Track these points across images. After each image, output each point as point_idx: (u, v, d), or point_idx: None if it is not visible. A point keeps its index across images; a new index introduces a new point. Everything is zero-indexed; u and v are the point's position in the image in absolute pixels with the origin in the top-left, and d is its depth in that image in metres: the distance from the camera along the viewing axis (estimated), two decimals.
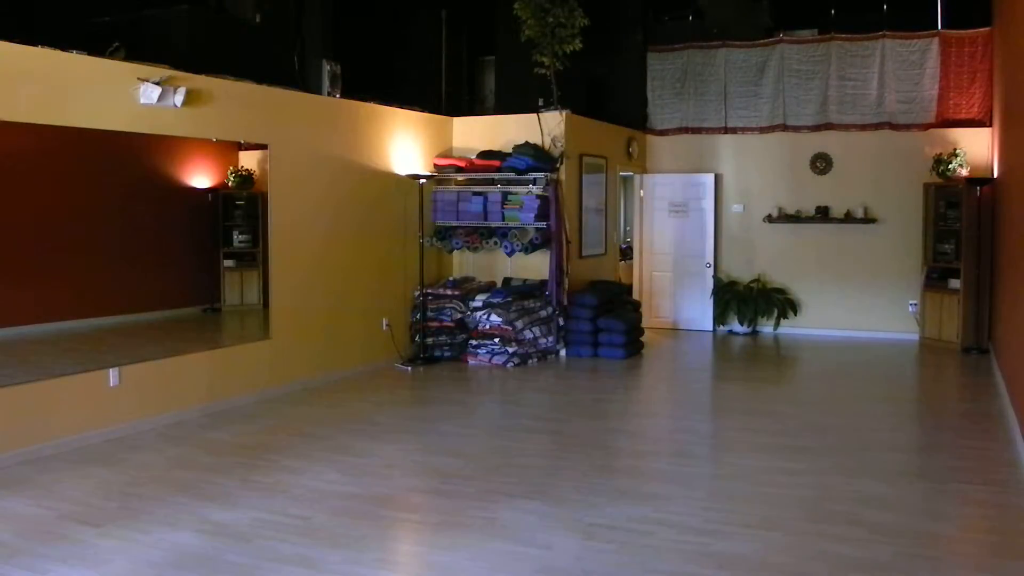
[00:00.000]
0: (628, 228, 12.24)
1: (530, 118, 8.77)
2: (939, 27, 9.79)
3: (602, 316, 8.79)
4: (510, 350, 8.27)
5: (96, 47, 5.68)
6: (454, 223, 8.83)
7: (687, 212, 10.71)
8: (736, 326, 10.50)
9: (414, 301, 8.57)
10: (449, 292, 8.53)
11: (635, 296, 10.51)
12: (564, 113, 8.71)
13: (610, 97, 10.43)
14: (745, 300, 10.38)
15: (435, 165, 8.84)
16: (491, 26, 9.72)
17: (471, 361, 8.41)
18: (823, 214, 10.20)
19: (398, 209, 8.40)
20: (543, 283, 8.73)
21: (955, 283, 9.17)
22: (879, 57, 9.89)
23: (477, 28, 10.02)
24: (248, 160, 7.15)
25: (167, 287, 6.92)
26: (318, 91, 7.59)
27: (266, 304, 7.08)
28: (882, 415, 6.54)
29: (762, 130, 10.48)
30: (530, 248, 8.57)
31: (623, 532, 4.07)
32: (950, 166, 9.37)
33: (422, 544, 4.16)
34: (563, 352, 8.86)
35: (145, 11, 6.82)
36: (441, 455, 5.42)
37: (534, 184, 8.57)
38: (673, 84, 10.82)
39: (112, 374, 5.76)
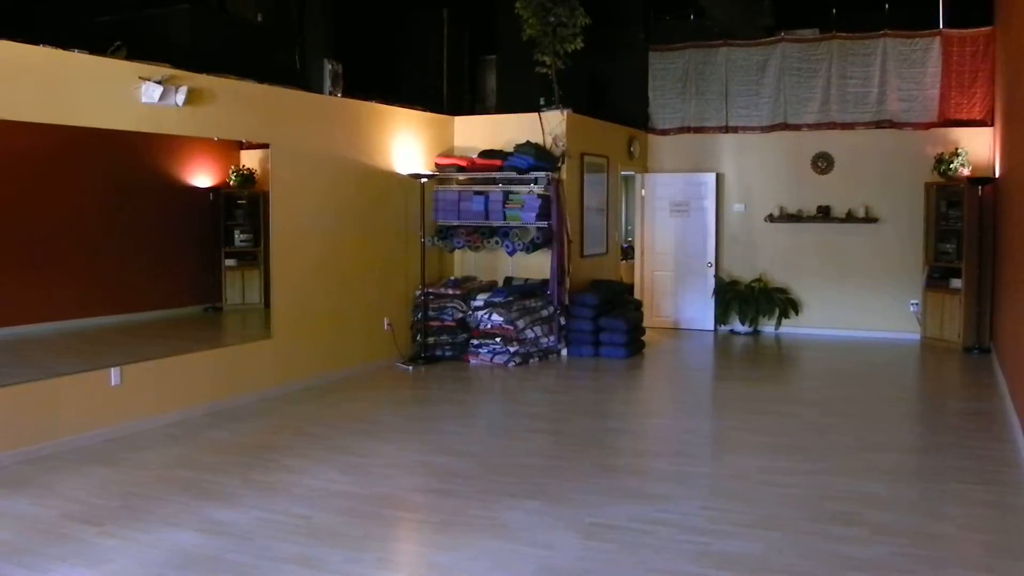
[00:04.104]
0: (629, 227, 12.25)
1: (531, 117, 8.77)
2: (940, 26, 9.78)
3: (603, 315, 8.79)
4: (511, 349, 8.27)
5: (98, 46, 5.69)
6: (455, 222, 8.83)
7: (688, 211, 10.71)
8: (737, 326, 10.50)
9: (415, 300, 8.57)
10: (450, 291, 8.54)
11: (636, 295, 10.51)
12: (565, 112, 8.71)
13: (611, 96, 10.43)
14: (746, 300, 10.37)
15: (436, 164, 8.84)
16: (492, 25, 9.72)
17: (472, 360, 8.42)
18: (824, 214, 10.20)
19: (399, 208, 8.40)
20: (544, 282, 8.73)
21: (956, 283, 9.16)
22: (880, 56, 9.88)
23: (478, 27, 10.01)
24: (249, 159, 7.15)
25: (168, 286, 6.93)
26: (320, 90, 7.59)
27: (267, 303, 7.09)
28: (883, 415, 6.54)
29: (763, 129, 10.48)
30: (531, 247, 8.57)
31: (624, 531, 4.07)
32: (951, 165, 9.36)
33: (423, 543, 4.17)
34: (564, 351, 8.86)
35: (146, 10, 6.82)
36: (442, 454, 5.42)
37: (535, 183, 8.57)
38: (674, 83, 10.82)
39: (113, 373, 5.76)
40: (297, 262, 7.19)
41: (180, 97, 5.96)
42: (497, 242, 8.68)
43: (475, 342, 8.44)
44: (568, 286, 8.76)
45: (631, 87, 10.72)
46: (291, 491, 4.67)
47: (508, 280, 8.99)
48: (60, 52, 5.37)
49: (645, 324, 9.71)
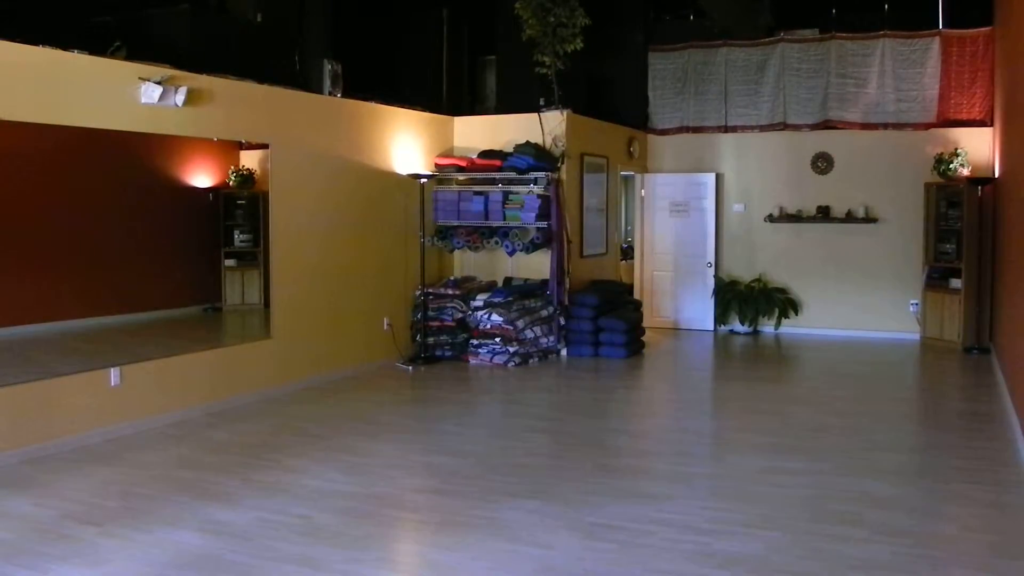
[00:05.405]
0: (629, 228, 12.25)
1: (531, 118, 8.76)
2: (940, 27, 9.79)
3: (603, 316, 8.79)
4: (511, 349, 8.27)
5: (97, 46, 5.69)
6: (455, 223, 8.83)
7: (688, 212, 10.71)
8: (737, 326, 10.50)
9: (415, 300, 8.57)
10: (450, 292, 8.54)
11: (636, 296, 10.52)
12: (565, 113, 8.71)
13: (611, 96, 10.42)
14: (746, 300, 10.37)
15: (436, 165, 8.84)
16: (492, 26, 9.72)
17: (472, 361, 8.41)
18: (824, 214, 10.20)
19: (399, 209, 8.40)
20: (544, 283, 8.73)
21: (956, 283, 9.16)
22: (880, 56, 9.88)
23: (478, 27, 10.02)
24: (249, 159, 7.15)
25: (168, 286, 6.93)
26: (319, 91, 7.59)
27: (267, 303, 7.09)
28: (883, 415, 6.54)
29: (762, 128, 10.48)
30: (531, 248, 8.57)
31: (624, 532, 4.07)
32: (951, 166, 9.36)
33: (423, 543, 4.16)
34: (564, 352, 8.86)
35: (146, 10, 6.82)
36: (442, 454, 5.42)
37: (535, 184, 8.57)
38: (674, 83, 10.82)
39: (113, 373, 5.76)
40: (297, 262, 7.19)
41: (180, 97, 5.96)
42: (497, 242, 8.68)
43: (475, 342, 8.44)
44: (568, 286, 8.77)
45: (631, 87, 10.72)
46: (291, 491, 4.67)
47: (508, 280, 8.99)
48: (59, 52, 5.37)
49: (645, 324, 9.71)
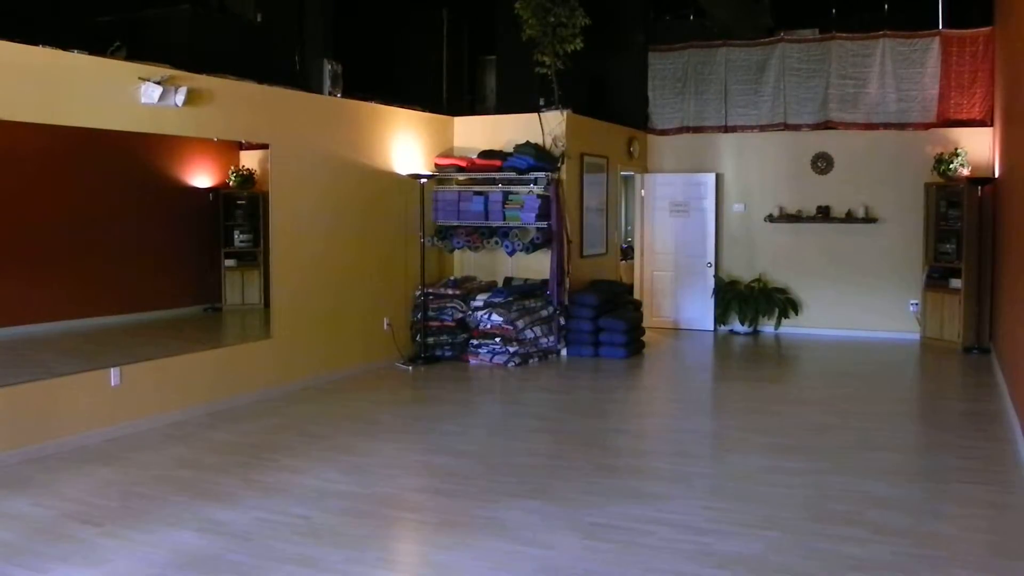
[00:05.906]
0: (629, 228, 12.25)
1: (531, 118, 8.76)
2: (940, 27, 9.79)
3: (603, 316, 8.79)
4: (511, 350, 8.27)
5: (97, 46, 5.68)
6: (455, 223, 8.83)
7: (688, 212, 10.71)
8: (737, 326, 10.50)
9: (415, 301, 8.57)
10: (450, 292, 8.54)
11: (636, 296, 10.51)
12: (565, 113, 8.71)
13: (611, 96, 10.43)
14: (746, 300, 10.37)
15: (436, 165, 8.84)
16: (492, 26, 9.72)
17: (472, 361, 8.41)
18: (824, 214, 10.20)
19: (399, 209, 8.40)
20: (544, 283, 8.73)
21: (956, 283, 9.16)
22: (880, 56, 9.89)
23: (478, 27, 10.02)
24: (249, 160, 7.16)
25: (168, 286, 6.93)
26: (319, 91, 7.59)
27: (267, 303, 7.09)
28: (883, 415, 6.54)
29: (762, 128, 10.48)
30: (531, 248, 8.57)
31: (624, 532, 4.07)
32: (951, 166, 9.36)
33: (423, 543, 4.17)
34: (564, 352, 8.86)
35: (146, 10, 6.82)
36: (442, 454, 5.42)
37: (535, 184, 8.57)
38: (674, 83, 10.83)
39: (113, 373, 5.76)
40: (297, 262, 7.19)
41: (180, 97, 5.96)
42: (497, 242, 8.68)
43: (475, 342, 8.44)
44: (568, 286, 8.77)
45: (631, 87, 10.72)
46: (291, 491, 4.67)
47: (508, 280, 8.99)
48: (59, 52, 5.37)
49: (645, 324, 9.71)
